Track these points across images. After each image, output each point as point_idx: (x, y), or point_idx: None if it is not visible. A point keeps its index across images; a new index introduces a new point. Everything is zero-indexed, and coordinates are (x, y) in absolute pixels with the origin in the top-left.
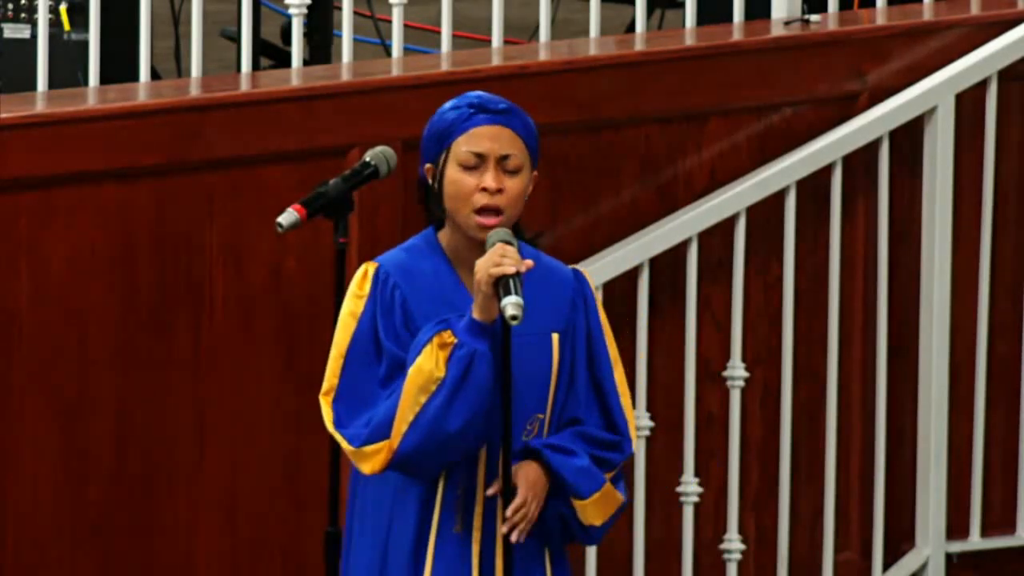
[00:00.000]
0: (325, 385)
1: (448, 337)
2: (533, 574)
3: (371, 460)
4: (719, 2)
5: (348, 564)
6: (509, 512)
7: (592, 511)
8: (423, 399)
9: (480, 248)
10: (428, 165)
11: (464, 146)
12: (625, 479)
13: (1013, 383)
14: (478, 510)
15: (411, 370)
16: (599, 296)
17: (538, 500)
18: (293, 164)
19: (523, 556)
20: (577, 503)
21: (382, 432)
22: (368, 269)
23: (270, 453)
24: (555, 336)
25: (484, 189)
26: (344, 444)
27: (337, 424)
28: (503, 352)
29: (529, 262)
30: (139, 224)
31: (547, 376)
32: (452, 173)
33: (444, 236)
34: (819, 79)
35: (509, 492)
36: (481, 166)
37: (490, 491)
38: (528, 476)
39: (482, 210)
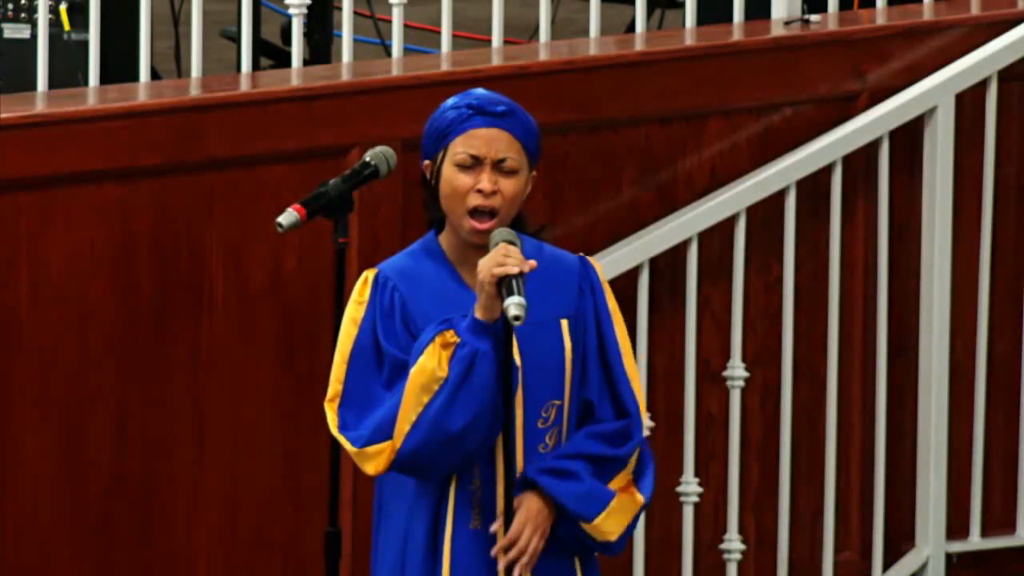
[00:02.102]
0: (330, 392)
1: (451, 337)
2: (562, 569)
3: (374, 461)
4: (719, 2)
5: (374, 564)
6: (502, 547)
7: (605, 528)
8: (426, 399)
9: (479, 247)
10: (427, 162)
11: (461, 147)
12: (655, 469)
13: (1013, 383)
14: (500, 505)
15: (413, 370)
16: (606, 283)
17: (540, 530)
18: (293, 164)
19: (551, 552)
20: (585, 526)
21: (384, 432)
22: (368, 275)
23: (270, 453)
24: (564, 322)
25: (479, 191)
26: (347, 446)
27: (342, 428)
28: (506, 352)
29: (532, 263)
30: (139, 224)
31: (561, 362)
32: (448, 172)
33: (445, 238)
34: (819, 79)
35: (512, 489)
36: (477, 167)
37: (492, 527)
38: (529, 508)
39: (475, 211)
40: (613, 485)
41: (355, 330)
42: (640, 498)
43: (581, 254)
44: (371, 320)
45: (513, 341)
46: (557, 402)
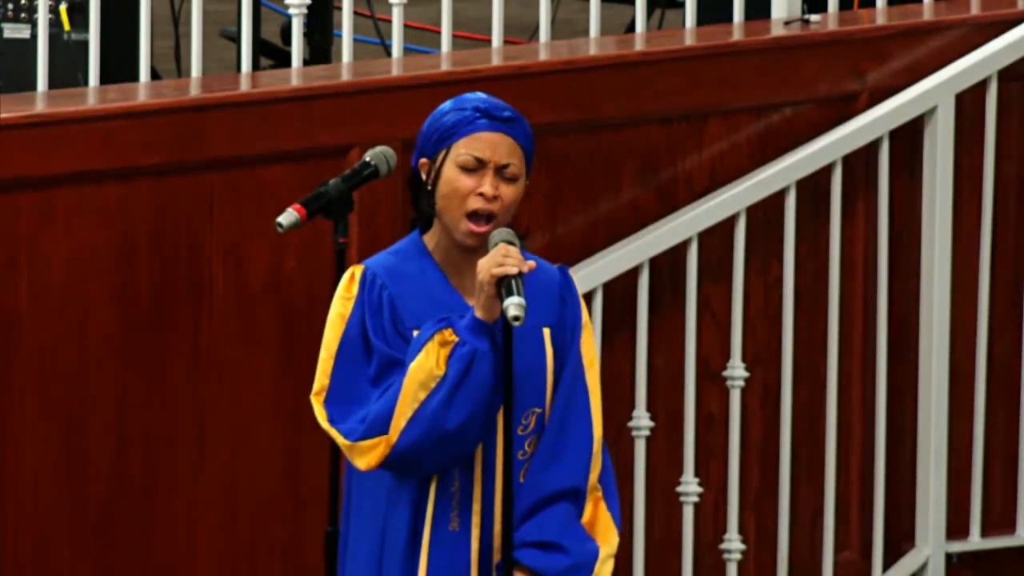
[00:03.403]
0: (316, 386)
1: (449, 335)
2: None
3: (367, 455)
4: (719, 2)
5: (346, 566)
6: None
7: None
8: (422, 395)
9: (467, 249)
10: (423, 160)
11: (465, 149)
12: (614, 474)
13: (1013, 383)
14: (476, 508)
15: (411, 367)
16: (586, 294)
17: None
18: (293, 164)
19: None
20: None
21: (379, 427)
22: (355, 271)
23: (270, 453)
24: (546, 331)
25: (481, 194)
26: (340, 439)
27: (331, 421)
28: (505, 352)
29: (532, 263)
30: (139, 224)
31: (543, 370)
32: (450, 173)
33: (431, 238)
34: (819, 79)
35: (509, 491)
36: (480, 170)
37: None
38: None
39: (474, 214)
40: (586, 513)
41: (342, 325)
42: (614, 529)
43: (560, 265)
44: (359, 316)
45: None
46: (538, 410)
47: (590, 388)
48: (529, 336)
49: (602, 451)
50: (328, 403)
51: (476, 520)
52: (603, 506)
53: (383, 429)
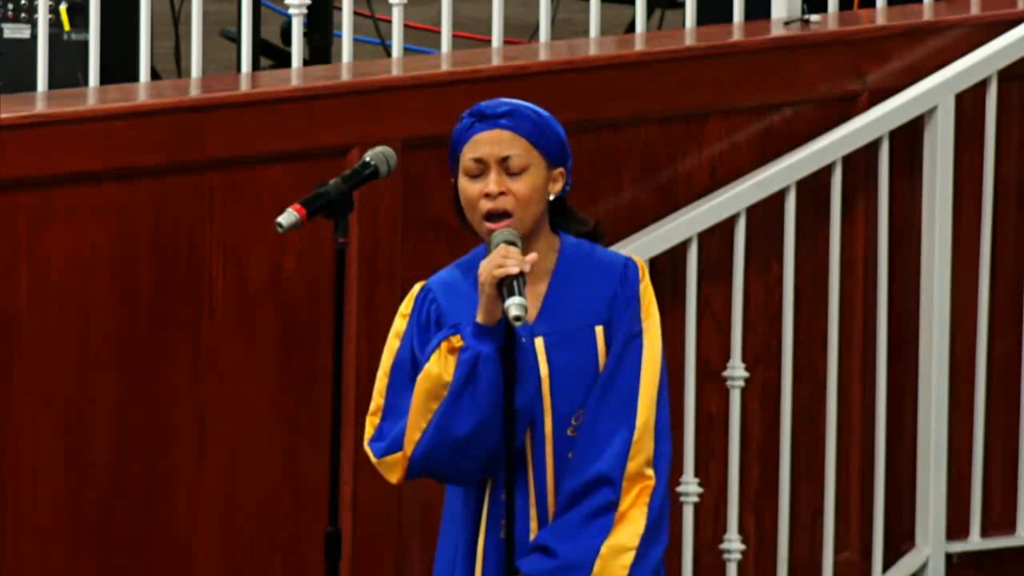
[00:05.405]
0: (372, 405)
1: (456, 342)
2: None
3: (393, 471)
4: (719, 2)
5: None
6: None
7: None
8: (434, 406)
9: None
10: (452, 181)
11: (467, 155)
12: (667, 474)
13: (1013, 383)
14: (532, 512)
15: (420, 377)
16: (646, 286)
17: None
18: (293, 164)
19: None
20: None
21: (398, 442)
22: (415, 289)
23: (270, 453)
24: (599, 329)
25: (487, 195)
26: (371, 457)
27: (372, 439)
28: (507, 353)
29: (533, 256)
30: (139, 224)
31: (594, 370)
32: (461, 184)
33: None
34: (819, 79)
35: (512, 495)
36: (484, 173)
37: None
38: None
39: (489, 215)
40: (624, 501)
41: (397, 344)
42: (637, 527)
43: (628, 255)
44: (410, 334)
45: (518, 342)
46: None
47: (644, 373)
48: (579, 335)
49: (660, 438)
50: (381, 423)
51: (534, 525)
52: (645, 498)
53: (401, 444)
